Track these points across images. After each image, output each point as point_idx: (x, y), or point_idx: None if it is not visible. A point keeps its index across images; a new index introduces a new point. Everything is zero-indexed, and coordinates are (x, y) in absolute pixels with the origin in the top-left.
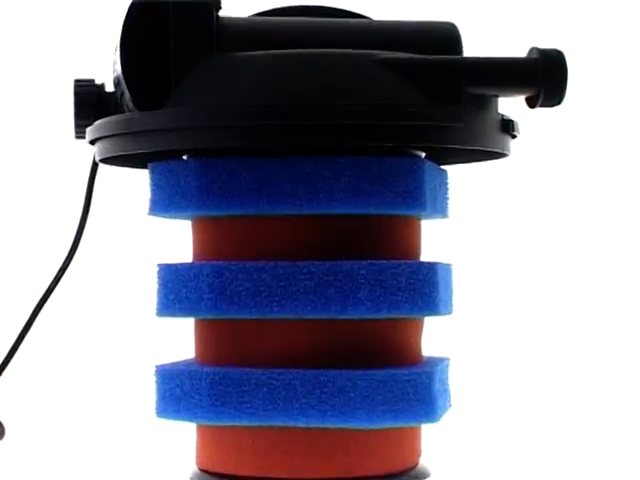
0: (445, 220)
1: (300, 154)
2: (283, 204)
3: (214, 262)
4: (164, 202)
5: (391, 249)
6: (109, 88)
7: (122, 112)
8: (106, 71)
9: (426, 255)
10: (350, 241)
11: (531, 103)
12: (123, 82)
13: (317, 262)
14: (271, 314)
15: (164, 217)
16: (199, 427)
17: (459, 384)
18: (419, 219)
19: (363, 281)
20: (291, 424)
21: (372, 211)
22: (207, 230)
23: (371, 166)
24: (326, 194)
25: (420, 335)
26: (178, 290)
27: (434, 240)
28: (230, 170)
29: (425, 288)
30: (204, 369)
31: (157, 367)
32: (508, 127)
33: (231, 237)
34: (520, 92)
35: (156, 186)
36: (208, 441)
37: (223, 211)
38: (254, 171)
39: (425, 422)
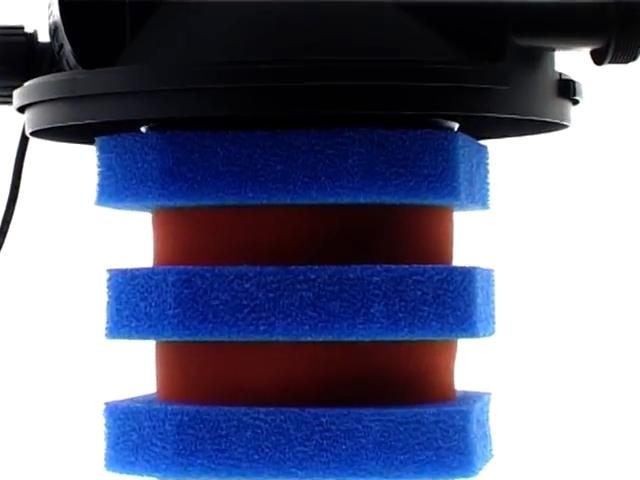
0: (485, 212)
1: (295, 126)
2: (272, 191)
3: (182, 267)
4: (116, 189)
5: (414, 250)
6: (43, 38)
7: (61, 70)
8: (39, 15)
9: (460, 258)
10: (360, 240)
11: (598, 59)
12: (62, 30)
13: (317, 267)
14: (257, 335)
15: (116, 208)
16: None
17: (503, 427)
18: (451, 211)
19: (377, 292)
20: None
21: (389, 200)
22: (173, 225)
23: (388, 142)
24: (329, 178)
25: (452, 363)
26: (135, 304)
27: (471, 239)
28: (203, 147)
29: (459, 301)
30: (169, 408)
31: (106, 405)
32: (568, 90)
33: (205, 234)
34: (584, 44)
35: (106, 168)
36: None
37: (194, 200)
38: (235, 148)
39: (459, 477)
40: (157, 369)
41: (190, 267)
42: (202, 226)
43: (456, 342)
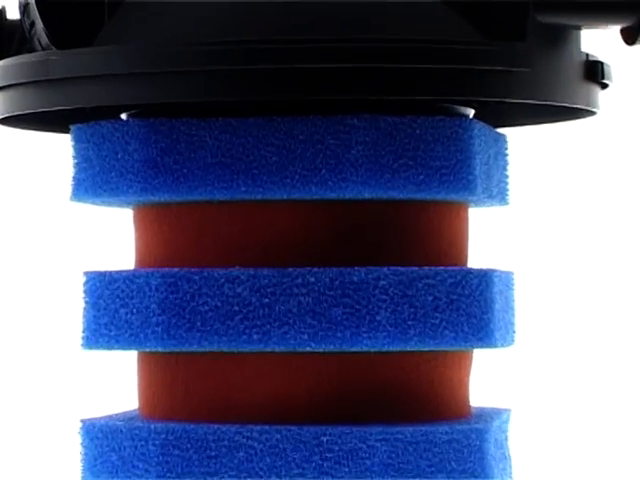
0: (504, 208)
1: (293, 113)
2: (267, 185)
3: (167, 269)
4: (93, 182)
5: (425, 251)
6: (12, 15)
7: (32, 51)
8: None
9: (476, 260)
10: (365, 239)
11: (629, 37)
12: (34, 6)
13: (317, 270)
14: (250, 345)
15: (93, 204)
16: None
17: (524, 448)
18: (465, 207)
19: (384, 297)
20: None
21: (397, 195)
22: (157, 223)
23: (396, 130)
24: (330, 171)
25: (467, 376)
26: (114, 310)
27: (488, 238)
28: (190, 136)
29: (474, 307)
30: (152, 426)
31: (83, 422)
32: (595, 72)
33: (192, 233)
34: (613, 21)
35: (82, 159)
36: None
37: (180, 195)
38: (225, 137)
39: None
40: (139, 383)
41: (176, 269)
42: (189, 224)
43: (472, 353)
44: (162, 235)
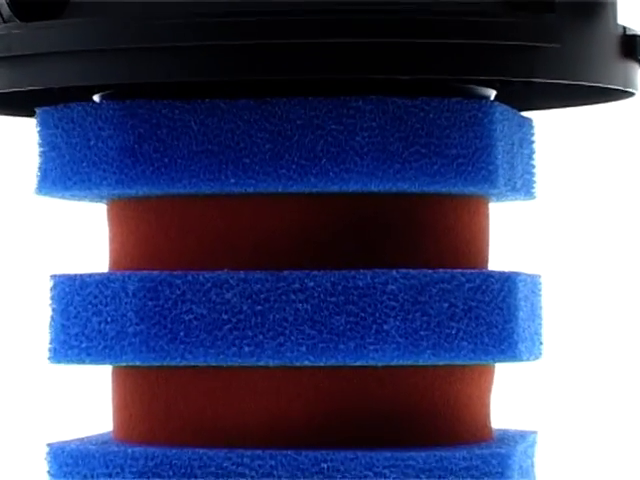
0: (530, 203)
1: (289, 94)
2: (260, 177)
3: (146, 272)
4: (62, 173)
5: (439, 251)
6: None
7: None
8: None
9: (498, 261)
10: (371, 238)
11: None
12: None
13: (316, 273)
14: (240, 359)
15: (62, 198)
16: None
17: (553, 474)
18: (486, 201)
19: (393, 304)
20: None
21: (408, 188)
22: (134, 220)
23: (406, 113)
24: (332, 160)
25: (488, 394)
26: (86, 319)
27: (512, 236)
28: (172, 120)
29: (496, 316)
30: (129, 450)
31: (50, 447)
32: (634, 47)
33: (174, 231)
34: None
35: (49, 147)
36: None
37: (161, 188)
38: (212, 122)
39: None
40: (114, 402)
41: (156, 273)
42: (171, 221)
43: (493, 368)
44: (140, 233)
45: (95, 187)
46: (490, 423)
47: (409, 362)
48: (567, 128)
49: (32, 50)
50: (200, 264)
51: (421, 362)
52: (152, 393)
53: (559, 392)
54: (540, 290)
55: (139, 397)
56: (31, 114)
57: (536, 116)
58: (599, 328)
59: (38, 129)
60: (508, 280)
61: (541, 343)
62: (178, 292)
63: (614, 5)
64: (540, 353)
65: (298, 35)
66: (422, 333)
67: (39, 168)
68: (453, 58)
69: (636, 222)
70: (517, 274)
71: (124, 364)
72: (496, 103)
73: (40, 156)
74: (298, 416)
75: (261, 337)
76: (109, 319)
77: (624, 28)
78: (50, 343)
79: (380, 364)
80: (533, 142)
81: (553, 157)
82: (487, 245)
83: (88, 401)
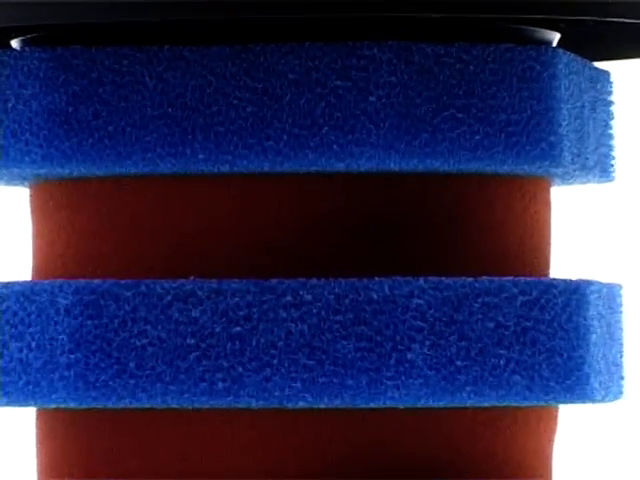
0: (607, 186)
1: (279, 39)
2: (238, 151)
3: (83, 281)
4: None
5: (482, 252)
6: None
7: None
8: None
9: (563, 266)
10: (390, 234)
11: None
12: None
13: (316, 281)
14: (212, 399)
15: None
16: None
17: None
18: (546, 185)
19: (419, 324)
20: None
21: (440, 166)
22: (68, 209)
23: (438, 65)
24: (336, 130)
25: (549, 446)
26: (1, 345)
27: (583, 232)
28: (120, 74)
29: (560, 340)
30: None
31: None
32: None
33: (123, 225)
34: None
35: None
36: None
37: (104, 166)
38: (175, 77)
39: None
40: (39, 455)
41: (97, 282)
42: (118, 211)
43: (556, 411)
44: (75, 228)
45: (14, 165)
46: (552, 479)
47: (441, 403)
48: None
49: None
50: (158, 270)
51: (457, 403)
52: (91, 446)
53: None
54: (620, 305)
55: (74, 451)
56: None
57: (615, 69)
58: None
59: None
60: (576, 291)
61: (621, 378)
62: (127, 308)
63: None
64: (620, 391)
65: None
66: (459, 364)
67: None
68: None
69: None
70: (588, 283)
71: (53, 406)
72: (560, 51)
73: None
74: (290, 474)
75: (240, 369)
76: (33, 345)
77: None
78: None
79: (402, 406)
80: (611, 104)
81: (638, 124)
82: (548, 244)
83: (4, 453)
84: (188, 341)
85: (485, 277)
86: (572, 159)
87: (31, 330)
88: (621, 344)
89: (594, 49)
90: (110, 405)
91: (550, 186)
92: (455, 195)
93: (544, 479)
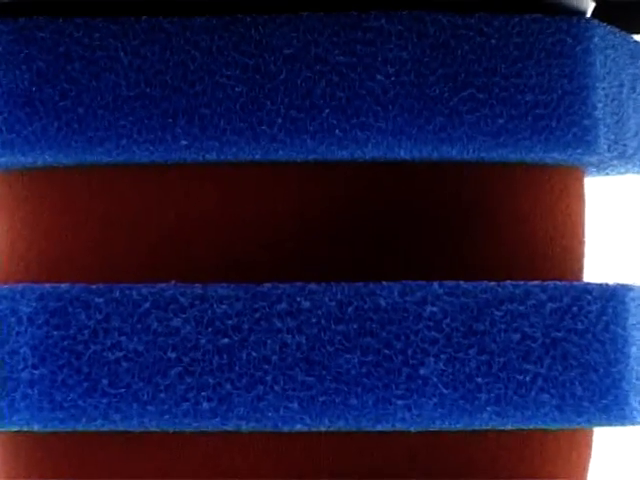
0: None
1: (271, 9)
2: (226, 137)
3: (48, 286)
4: None
5: (506, 253)
6: None
7: None
8: None
9: (598, 268)
10: (400, 233)
11: None
12: None
13: (315, 287)
14: (196, 421)
15: None
16: None
17: None
18: (580, 175)
19: (435, 335)
20: None
21: (457, 155)
22: (30, 203)
23: (456, 39)
24: (339, 112)
25: (583, 473)
26: None
27: (622, 229)
28: (90, 49)
29: (594, 353)
30: None
31: None
32: None
33: (94, 220)
34: None
35: None
36: None
37: (71, 154)
38: (153, 52)
39: None
40: None
41: (65, 286)
42: (87, 205)
43: (590, 434)
44: (40, 225)
45: None
46: None
47: (459, 426)
48: None
49: None
50: (134, 273)
51: (478, 425)
52: (57, 473)
53: None
54: None
55: (38, 475)
56: None
57: None
58: None
59: None
60: (613, 298)
61: None
62: (99, 317)
63: None
64: None
65: None
66: (479, 380)
67: None
68: None
69: None
70: (627, 289)
71: (15, 428)
72: (595, 22)
73: None
74: None
75: (229, 387)
76: None
77: None
78: None
79: (414, 429)
80: None
81: None
82: (581, 243)
83: None
84: (169, 355)
85: (509, 281)
86: (609, 146)
87: None
88: None
89: (634, 20)
90: (79, 428)
91: (583, 177)
92: (474, 187)
93: None
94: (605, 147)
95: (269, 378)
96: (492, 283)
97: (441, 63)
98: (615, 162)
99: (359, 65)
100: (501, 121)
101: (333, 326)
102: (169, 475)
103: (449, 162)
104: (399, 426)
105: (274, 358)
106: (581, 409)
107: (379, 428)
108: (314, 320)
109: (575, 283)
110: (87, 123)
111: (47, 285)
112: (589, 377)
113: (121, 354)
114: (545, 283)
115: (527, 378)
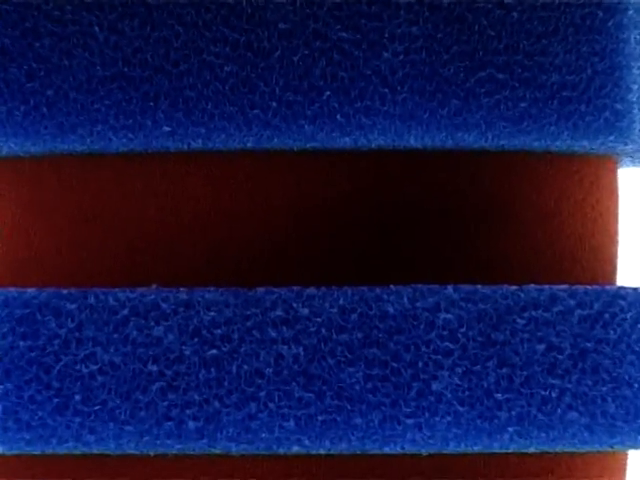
0: None
1: None
2: (214, 123)
3: (13, 290)
4: None
5: (529, 253)
6: None
7: None
8: None
9: (633, 271)
10: (410, 230)
11: None
12: None
13: (314, 291)
14: (180, 443)
15: None
16: None
17: None
18: (612, 166)
19: (448, 346)
20: None
21: (474, 143)
22: None
23: (472, 12)
24: (341, 95)
25: None
26: None
27: None
28: (60, 24)
29: (629, 367)
30: None
31: None
32: None
33: (65, 215)
34: None
35: None
36: None
37: (39, 143)
38: (131, 26)
39: None
40: None
41: (32, 291)
42: (58, 199)
43: (625, 457)
44: (5, 221)
45: None
46: None
47: (476, 448)
48: None
49: None
50: (110, 276)
51: (497, 448)
52: None
53: None
54: None
55: None
56: None
57: None
58: None
59: None
60: None
61: None
62: (71, 325)
63: None
64: None
65: None
66: (498, 397)
67: None
68: None
69: None
70: None
71: None
72: (631, 8)
73: None
74: None
75: (217, 404)
76: None
77: None
78: None
79: (425, 451)
80: None
81: None
82: (613, 242)
83: None
84: (149, 368)
85: (533, 285)
86: None
87: None
88: None
89: None
90: (49, 450)
91: (616, 168)
92: (493, 179)
93: None
94: None
95: (262, 394)
96: (513, 287)
97: (456, 39)
98: None
99: (363, 42)
100: (523, 105)
101: (334, 336)
102: None
103: (464, 151)
104: (408, 448)
105: (268, 371)
106: (614, 429)
107: (386, 450)
108: (313, 329)
109: (607, 287)
110: (57, 107)
111: (13, 289)
112: (622, 393)
113: (96, 367)
114: (573, 287)
115: (553, 394)
